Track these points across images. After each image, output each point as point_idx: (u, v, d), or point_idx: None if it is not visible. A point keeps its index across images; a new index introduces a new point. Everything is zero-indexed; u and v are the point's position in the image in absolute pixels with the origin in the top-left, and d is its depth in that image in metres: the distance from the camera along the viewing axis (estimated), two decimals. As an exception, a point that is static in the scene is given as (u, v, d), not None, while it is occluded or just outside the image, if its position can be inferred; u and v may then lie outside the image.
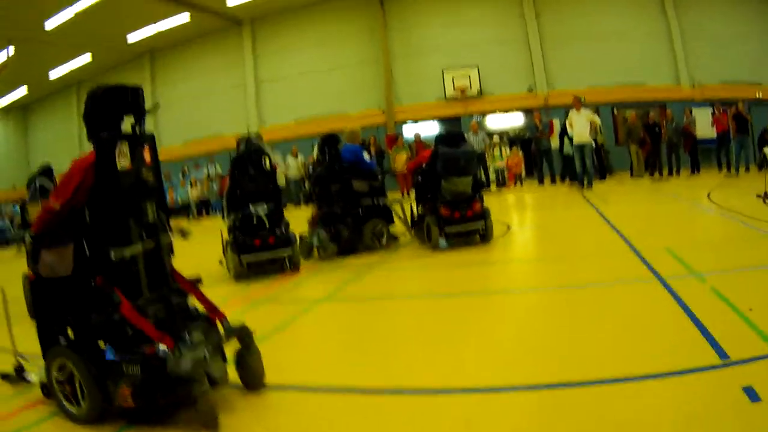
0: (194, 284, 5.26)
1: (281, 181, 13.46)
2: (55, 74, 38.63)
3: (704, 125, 24.03)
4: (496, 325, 6.46)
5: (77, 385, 4.74)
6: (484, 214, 11.71)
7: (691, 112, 24.40)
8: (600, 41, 29.15)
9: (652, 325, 5.75)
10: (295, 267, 11.16)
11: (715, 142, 23.53)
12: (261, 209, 10.46)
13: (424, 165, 12.42)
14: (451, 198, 11.58)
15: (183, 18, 32.42)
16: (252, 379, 5.02)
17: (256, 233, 10.72)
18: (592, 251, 10.24)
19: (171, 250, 5.30)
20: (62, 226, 4.91)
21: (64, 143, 42.03)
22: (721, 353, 4.66)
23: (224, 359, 5.04)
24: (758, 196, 13.43)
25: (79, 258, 4.83)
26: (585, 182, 20.87)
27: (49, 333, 4.99)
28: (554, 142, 25.27)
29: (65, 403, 4.86)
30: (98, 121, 4.98)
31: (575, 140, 20.94)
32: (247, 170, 11.04)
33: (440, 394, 4.68)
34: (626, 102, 28.26)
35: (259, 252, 10.70)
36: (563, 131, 23.57)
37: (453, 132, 13.25)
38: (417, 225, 12.94)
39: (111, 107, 5.06)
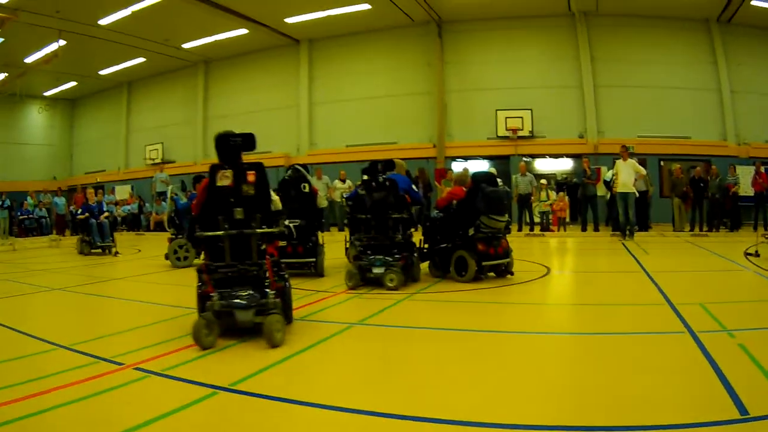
0: (271, 264, 7.96)
1: (322, 203, 14.09)
2: (105, 72, 39.36)
3: (747, 183, 24.16)
4: (522, 365, 6.45)
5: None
6: (509, 251, 12.60)
7: (735, 169, 24.46)
8: (651, 91, 29.49)
9: (678, 376, 5.74)
10: (317, 273, 13.60)
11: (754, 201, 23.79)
12: (293, 224, 11.98)
13: (454, 202, 12.75)
14: (488, 234, 12.20)
15: (241, 32, 33.12)
16: (265, 335, 7.19)
17: (289, 242, 13.30)
18: (628, 300, 10.26)
19: (268, 238, 8.03)
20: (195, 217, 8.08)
21: (111, 141, 43.19)
22: (741, 408, 4.66)
23: (257, 313, 7.51)
24: (747, 253, 13.75)
25: (190, 232, 8.46)
26: (627, 232, 20.90)
27: None
28: (600, 189, 25.27)
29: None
30: (218, 156, 7.94)
31: (619, 189, 21.04)
32: (290, 192, 13.62)
33: (456, 425, 4.66)
34: (673, 155, 28.38)
35: (289, 257, 13.02)
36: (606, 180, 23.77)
37: (489, 173, 13.63)
38: (428, 258, 13.29)
39: (221, 148, 7.91)
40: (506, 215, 12.56)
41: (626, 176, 20.91)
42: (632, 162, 21.24)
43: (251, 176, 7.77)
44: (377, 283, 11.78)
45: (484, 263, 12.07)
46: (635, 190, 21.25)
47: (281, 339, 7.21)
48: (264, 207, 7.87)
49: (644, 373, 5.86)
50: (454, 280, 12.25)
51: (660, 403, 4.96)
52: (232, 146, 7.88)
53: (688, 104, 29.37)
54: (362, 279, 11.89)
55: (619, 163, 21.37)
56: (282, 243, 12.54)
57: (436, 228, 13.05)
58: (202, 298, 7.68)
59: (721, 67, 29.14)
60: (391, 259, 11.90)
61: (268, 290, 7.63)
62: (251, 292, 7.68)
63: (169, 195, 17.89)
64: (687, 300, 9.42)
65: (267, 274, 7.83)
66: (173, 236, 17.19)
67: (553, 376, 5.97)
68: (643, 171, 21.73)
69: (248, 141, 7.90)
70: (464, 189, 12.66)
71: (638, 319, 8.67)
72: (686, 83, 29.46)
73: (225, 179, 7.70)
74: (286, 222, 13.16)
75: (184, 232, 16.59)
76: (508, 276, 12.53)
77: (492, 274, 12.58)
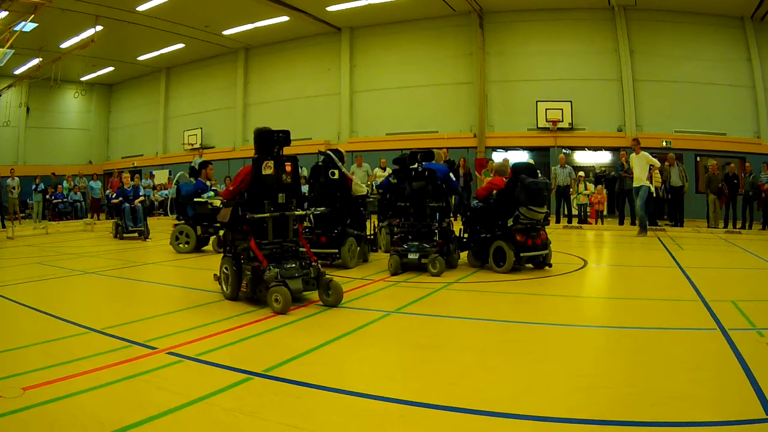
0: (305, 240, 9.78)
1: (359, 190, 13.79)
2: (143, 57, 39.66)
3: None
4: (557, 357, 6.51)
5: (228, 276, 9.38)
6: (548, 243, 12.60)
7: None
8: (689, 87, 29.25)
9: (707, 373, 5.77)
10: (341, 265, 13.09)
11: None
12: (316, 212, 11.27)
13: (494, 192, 12.84)
14: (527, 225, 12.23)
15: (282, 19, 33.09)
16: (332, 295, 8.89)
17: (312, 231, 13.20)
18: (662, 295, 10.30)
19: (299, 219, 9.60)
20: (232, 199, 9.33)
21: (149, 126, 43.45)
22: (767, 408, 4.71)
23: (306, 282, 8.90)
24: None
25: (234, 215, 9.18)
26: (639, 225, 21.12)
27: (224, 250, 9.81)
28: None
29: (222, 286, 9.56)
30: (258, 147, 9.22)
31: (634, 183, 21.06)
32: (319, 179, 13.36)
33: (492, 417, 4.73)
34: (709, 151, 28.26)
35: (312, 246, 12.27)
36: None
37: (529, 164, 13.62)
38: (467, 248, 13.39)
39: (264, 141, 9.20)
40: (545, 207, 12.60)
41: (639, 171, 20.80)
42: (645, 154, 20.93)
43: (288, 167, 9.32)
44: (416, 270, 12.08)
45: (522, 254, 12.16)
46: (650, 184, 21.10)
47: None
48: (297, 193, 9.53)
49: (675, 369, 5.91)
50: (493, 270, 12.37)
51: (688, 400, 5.01)
52: (275, 141, 9.17)
53: (724, 101, 29.11)
54: (401, 266, 12.12)
55: (632, 156, 21.31)
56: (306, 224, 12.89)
57: (476, 218, 13.11)
58: (255, 272, 8.88)
59: (755, 64, 28.82)
60: (428, 246, 12.14)
61: (311, 263, 9.06)
62: (295, 264, 8.99)
63: (175, 180, 17.72)
64: (719, 297, 9.50)
65: (304, 249, 9.48)
66: (177, 221, 17.19)
67: (587, 370, 6.04)
68: (657, 162, 21.42)
69: (288, 137, 9.29)
70: (504, 179, 12.73)
71: (671, 314, 8.73)
72: (723, 80, 29.17)
73: (268, 169, 9.07)
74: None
75: (187, 218, 16.77)
76: (546, 268, 12.63)
77: (530, 265, 12.72)
